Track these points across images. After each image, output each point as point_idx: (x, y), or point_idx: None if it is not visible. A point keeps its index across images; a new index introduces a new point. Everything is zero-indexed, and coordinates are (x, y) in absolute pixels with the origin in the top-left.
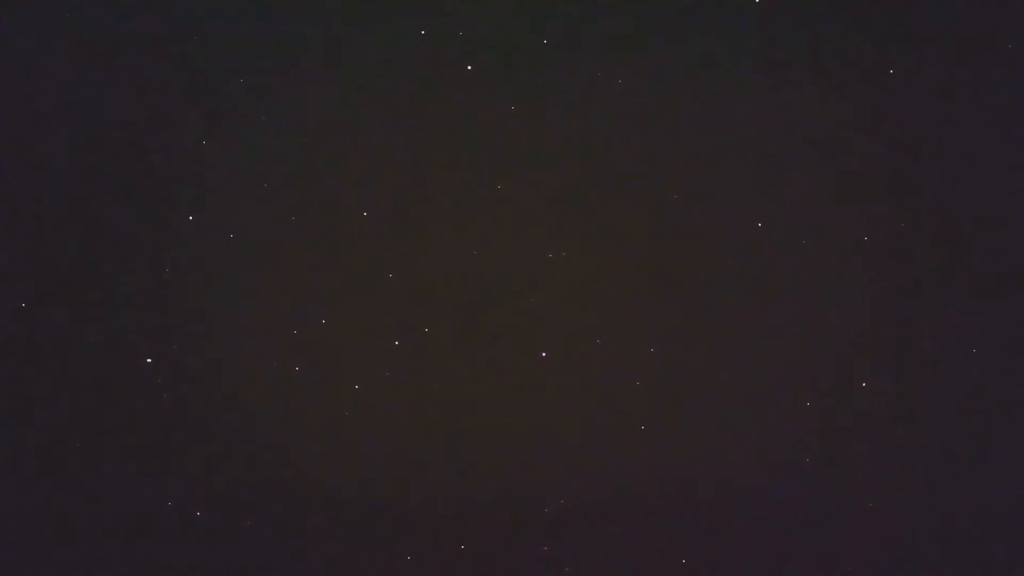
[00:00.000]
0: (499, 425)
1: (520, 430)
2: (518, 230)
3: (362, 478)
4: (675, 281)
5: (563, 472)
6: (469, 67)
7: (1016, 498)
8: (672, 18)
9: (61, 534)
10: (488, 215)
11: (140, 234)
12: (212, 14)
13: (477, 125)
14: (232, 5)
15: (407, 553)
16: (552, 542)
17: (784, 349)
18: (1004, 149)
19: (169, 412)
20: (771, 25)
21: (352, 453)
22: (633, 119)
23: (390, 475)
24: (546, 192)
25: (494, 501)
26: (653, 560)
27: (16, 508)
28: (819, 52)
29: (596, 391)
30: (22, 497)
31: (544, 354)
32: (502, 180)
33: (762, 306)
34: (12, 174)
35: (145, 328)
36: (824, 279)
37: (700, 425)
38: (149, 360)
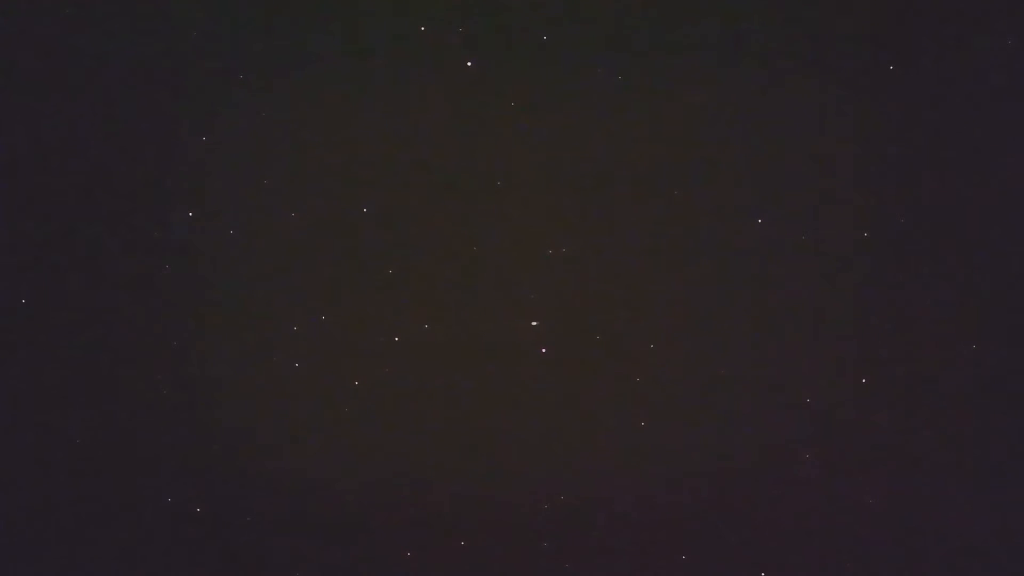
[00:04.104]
0: (499, 422)
1: (520, 427)
2: (518, 227)
3: (362, 475)
4: (675, 279)
5: (563, 470)
6: (469, 63)
7: (1017, 498)
8: (672, 16)
9: (60, 533)
10: (488, 211)
11: (140, 231)
12: (212, 13)
13: (477, 121)
14: (232, 4)
15: (407, 551)
16: (552, 540)
17: (784, 346)
18: (1005, 148)
19: (168, 409)
20: (771, 24)
21: (352, 450)
22: (633, 116)
23: (390, 472)
24: (546, 189)
25: (494, 499)
26: (653, 559)
27: (16, 507)
28: (819, 51)
29: (596, 388)
30: (21, 496)
31: (544, 351)
32: (502, 176)
33: (762, 303)
34: (11, 173)
35: (144, 325)
36: (824, 277)
37: (700, 422)
38: (148, 357)
